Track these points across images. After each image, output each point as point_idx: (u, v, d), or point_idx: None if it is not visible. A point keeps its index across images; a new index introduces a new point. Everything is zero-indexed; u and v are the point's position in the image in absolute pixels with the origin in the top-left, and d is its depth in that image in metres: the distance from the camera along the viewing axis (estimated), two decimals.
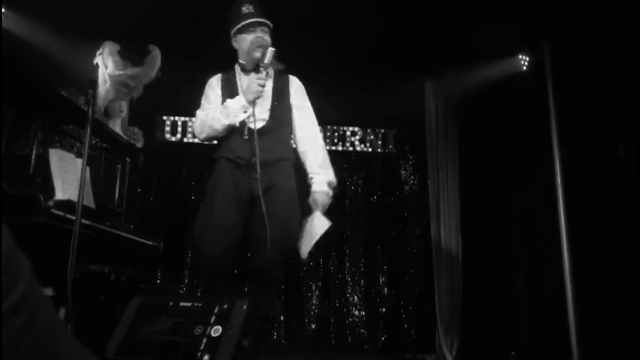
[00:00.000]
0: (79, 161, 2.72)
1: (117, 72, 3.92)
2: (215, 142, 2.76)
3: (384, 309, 5.12)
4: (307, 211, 2.70)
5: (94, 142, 3.09)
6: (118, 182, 3.37)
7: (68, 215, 2.32)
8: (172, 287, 4.79)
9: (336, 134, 5.41)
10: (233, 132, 2.62)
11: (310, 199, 2.66)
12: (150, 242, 3.25)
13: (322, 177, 2.68)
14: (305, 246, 2.56)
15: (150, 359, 1.80)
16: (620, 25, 3.52)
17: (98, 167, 3.15)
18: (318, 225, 2.57)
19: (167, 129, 5.25)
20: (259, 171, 2.47)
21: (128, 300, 2.06)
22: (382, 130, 5.48)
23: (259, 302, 2.45)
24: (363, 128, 5.46)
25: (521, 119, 4.65)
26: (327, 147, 5.27)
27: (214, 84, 2.81)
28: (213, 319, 1.83)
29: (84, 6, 4.04)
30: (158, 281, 4.78)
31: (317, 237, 2.55)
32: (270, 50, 2.55)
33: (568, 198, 3.73)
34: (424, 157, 5.22)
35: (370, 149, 5.45)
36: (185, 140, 5.22)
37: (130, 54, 4.07)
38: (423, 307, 5.04)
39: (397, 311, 5.11)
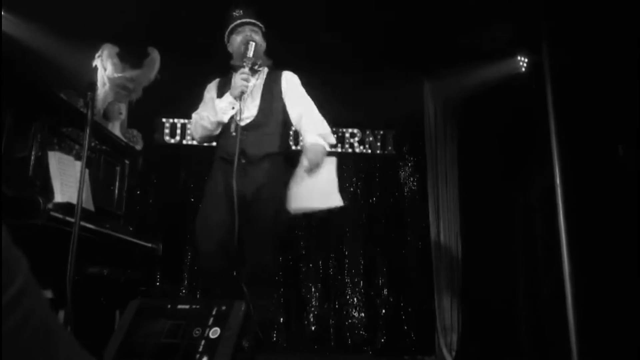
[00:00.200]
0: (78, 163, 2.72)
1: (116, 75, 3.92)
2: (214, 143, 2.79)
3: (383, 311, 5.11)
4: None
5: (93, 144, 3.09)
6: (117, 185, 3.37)
7: (67, 218, 2.32)
8: (171, 290, 4.79)
9: (335, 135, 5.40)
10: (224, 129, 2.67)
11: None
12: (149, 245, 3.25)
13: (312, 133, 2.66)
14: (294, 203, 2.54)
15: None
16: (619, 25, 3.52)
17: (97, 170, 3.15)
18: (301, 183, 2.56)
19: (166, 131, 5.25)
20: (235, 166, 2.45)
21: (127, 302, 2.06)
22: (381, 132, 5.49)
23: (256, 302, 2.45)
24: (362, 129, 5.47)
25: (520, 120, 4.65)
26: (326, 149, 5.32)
27: (211, 87, 2.89)
28: (211, 320, 1.83)
29: (83, 9, 4.04)
30: (157, 283, 4.77)
31: (302, 198, 2.52)
32: (251, 44, 2.62)
33: (567, 198, 3.74)
34: (423, 158, 5.23)
35: (369, 151, 5.46)
36: (184, 142, 5.22)
37: (129, 57, 4.07)
38: (422, 308, 5.04)
39: (397, 313, 5.11)
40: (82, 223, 2.24)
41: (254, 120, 2.65)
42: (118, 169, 3.40)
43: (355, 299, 5.13)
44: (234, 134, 2.54)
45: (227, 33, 2.82)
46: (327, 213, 5.23)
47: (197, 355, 1.74)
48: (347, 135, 5.45)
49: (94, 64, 3.92)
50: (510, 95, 4.68)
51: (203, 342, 1.78)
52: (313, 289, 5.11)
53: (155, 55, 4.10)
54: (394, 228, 5.34)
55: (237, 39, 2.76)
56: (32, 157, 2.60)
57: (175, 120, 5.26)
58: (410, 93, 5.10)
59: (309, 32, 4.32)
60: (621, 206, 3.52)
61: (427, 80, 5.18)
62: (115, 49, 3.95)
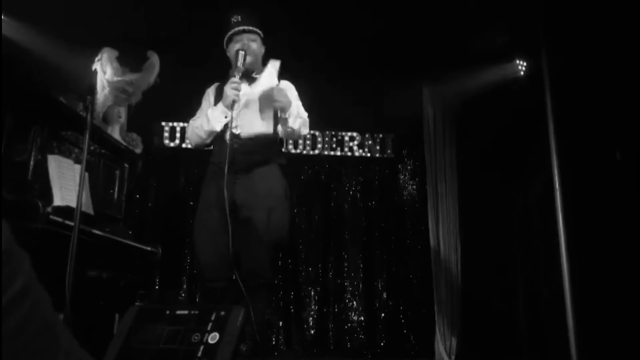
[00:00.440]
0: (78, 167, 2.72)
1: (115, 78, 3.93)
2: (212, 147, 2.81)
3: (383, 314, 5.11)
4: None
5: (92, 148, 3.10)
6: (116, 188, 3.36)
7: (66, 222, 2.32)
8: (170, 296, 4.78)
9: (334, 139, 5.42)
10: (218, 137, 2.69)
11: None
12: (148, 248, 3.24)
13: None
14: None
15: None
16: (618, 30, 3.54)
17: (96, 173, 3.15)
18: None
19: (166, 134, 5.26)
20: (226, 174, 2.48)
21: (127, 306, 2.06)
22: (381, 135, 5.49)
23: (254, 306, 2.48)
24: (361, 133, 5.47)
25: (519, 124, 4.66)
26: (326, 152, 5.34)
27: (210, 93, 2.90)
28: (210, 326, 1.83)
29: (83, 12, 4.05)
30: (157, 287, 4.77)
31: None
32: (241, 53, 2.63)
33: (566, 201, 3.74)
34: (422, 161, 5.23)
35: (368, 154, 5.46)
36: (183, 145, 5.22)
37: (129, 60, 4.08)
38: (422, 312, 5.03)
39: (396, 316, 5.11)
40: (82, 227, 2.24)
41: (248, 128, 2.67)
42: (117, 172, 3.40)
43: (354, 303, 5.12)
44: (228, 142, 2.57)
45: (225, 40, 2.82)
46: (327, 216, 5.27)
47: None
48: (347, 138, 5.45)
49: (93, 68, 3.93)
50: (509, 99, 4.69)
51: (202, 347, 1.78)
52: (312, 293, 5.10)
53: (154, 59, 4.11)
54: (393, 231, 5.34)
55: (234, 47, 2.75)
56: (32, 161, 2.60)
57: (175, 123, 5.26)
58: (409, 97, 5.10)
59: (309, 36, 4.33)
60: (619, 207, 3.53)
61: (426, 84, 5.18)
62: (115, 53, 3.96)
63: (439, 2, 4.03)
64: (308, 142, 5.34)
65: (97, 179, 3.14)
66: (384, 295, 5.17)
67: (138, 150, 4.11)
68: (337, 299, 5.12)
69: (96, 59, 3.94)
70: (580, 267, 3.63)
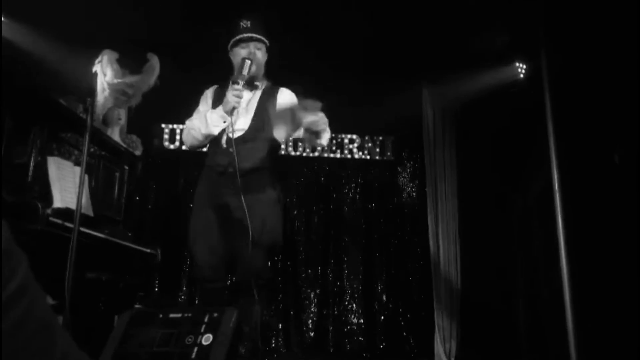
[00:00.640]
0: (78, 169, 2.73)
1: (115, 80, 3.94)
2: (205, 149, 2.83)
3: (382, 316, 5.11)
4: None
5: (92, 150, 3.10)
6: (116, 190, 3.37)
7: (66, 223, 2.32)
8: (168, 301, 4.78)
9: (334, 141, 5.42)
10: (215, 140, 2.71)
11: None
12: (148, 250, 3.25)
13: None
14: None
15: None
16: (617, 31, 3.54)
17: (96, 175, 3.16)
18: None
19: (166, 136, 5.26)
20: (239, 178, 2.52)
21: (126, 307, 2.06)
22: (380, 138, 5.50)
23: (250, 308, 2.52)
24: (361, 135, 5.48)
25: (518, 126, 4.66)
26: (325, 155, 5.34)
27: (208, 94, 2.91)
28: (203, 328, 1.84)
29: (83, 15, 4.05)
30: (156, 289, 4.76)
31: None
32: (247, 62, 2.63)
33: (565, 203, 3.74)
34: (421, 163, 5.23)
35: (368, 156, 5.47)
36: (183, 148, 5.22)
37: (129, 62, 4.08)
38: (421, 314, 5.03)
39: (396, 318, 5.11)
40: (81, 228, 2.25)
41: (245, 134, 2.69)
42: (117, 174, 3.40)
43: (354, 305, 5.12)
44: (224, 146, 2.60)
45: (230, 43, 2.81)
46: (326, 218, 5.28)
47: None
48: (346, 141, 5.46)
49: (93, 70, 3.93)
50: (509, 101, 4.69)
51: (196, 349, 1.79)
52: (312, 295, 5.10)
53: (154, 61, 4.12)
54: (393, 233, 5.34)
55: (240, 53, 2.75)
56: (32, 163, 2.60)
57: (175, 126, 5.27)
58: (408, 99, 5.11)
59: (309, 38, 4.34)
60: (619, 209, 3.53)
61: (425, 86, 5.19)
62: (115, 55, 3.96)
63: (439, 3, 4.04)
64: (307, 144, 5.34)
65: (97, 181, 3.14)
66: (384, 297, 5.17)
67: (138, 152, 4.11)
68: (337, 301, 5.12)
69: (96, 61, 3.95)
70: (580, 268, 3.63)
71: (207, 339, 1.80)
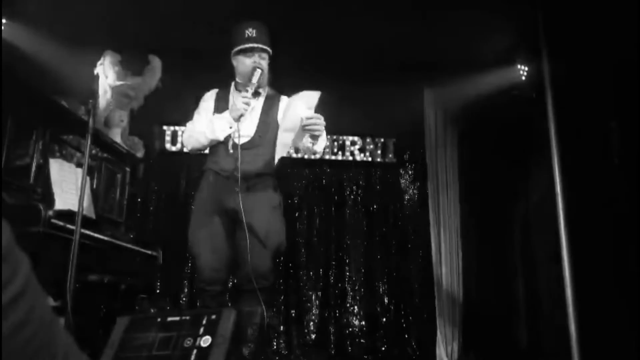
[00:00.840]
0: (79, 171, 2.73)
1: (117, 82, 3.95)
2: (207, 151, 2.84)
3: (384, 319, 5.10)
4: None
5: (94, 152, 3.11)
6: (118, 192, 3.37)
7: (68, 225, 2.32)
8: (167, 304, 4.78)
9: (336, 143, 5.42)
10: (219, 145, 2.74)
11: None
12: (149, 252, 3.25)
13: None
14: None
15: None
16: (619, 32, 3.54)
17: (98, 177, 3.16)
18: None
19: (167, 138, 5.26)
20: (240, 183, 2.56)
21: (128, 309, 2.06)
22: (382, 140, 5.50)
23: (253, 310, 2.56)
24: (362, 137, 5.47)
25: (520, 127, 4.66)
26: (327, 157, 5.34)
27: (208, 97, 2.92)
28: (202, 330, 1.85)
29: (85, 17, 4.06)
30: (158, 291, 4.76)
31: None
32: (258, 71, 2.67)
33: (567, 206, 3.74)
34: (423, 165, 5.23)
35: (369, 158, 5.46)
36: (185, 150, 5.20)
37: (131, 65, 4.09)
38: (423, 316, 5.03)
39: (398, 321, 5.10)
40: (83, 230, 2.25)
41: (249, 140, 2.72)
42: (119, 176, 3.41)
43: (355, 307, 5.12)
44: (231, 151, 2.63)
45: (235, 50, 2.82)
46: (328, 220, 5.28)
47: None
48: (348, 143, 5.46)
49: (95, 72, 3.94)
50: (510, 103, 4.69)
51: (195, 351, 1.79)
52: (313, 297, 5.10)
53: (156, 64, 4.13)
54: (395, 236, 5.34)
55: (245, 61, 2.77)
56: (34, 165, 2.61)
57: (177, 127, 5.27)
58: (410, 101, 5.10)
59: (309, 40, 4.34)
60: (621, 214, 3.52)
61: (427, 88, 5.18)
62: (117, 57, 3.98)
63: (440, 5, 4.04)
64: None
65: (98, 183, 3.15)
66: (385, 299, 5.16)
67: (139, 154, 4.12)
68: (338, 303, 5.11)
69: (98, 63, 3.96)
70: (582, 272, 3.62)
71: (205, 341, 1.81)
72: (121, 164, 3.44)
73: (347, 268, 5.22)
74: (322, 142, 2.71)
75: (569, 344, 3.51)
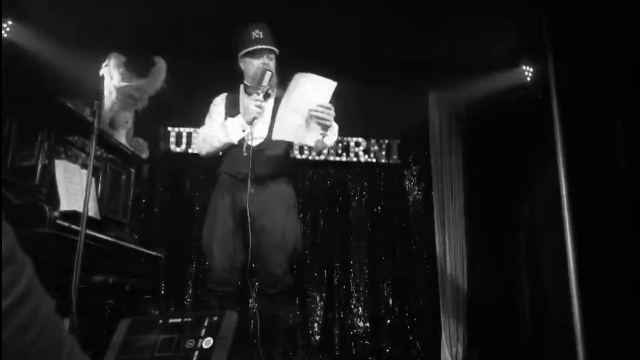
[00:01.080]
0: (84, 172, 2.74)
1: (122, 84, 3.96)
2: (220, 153, 2.84)
3: (388, 320, 5.09)
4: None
5: (99, 153, 3.11)
6: (123, 193, 3.38)
7: (73, 226, 2.33)
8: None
9: (340, 144, 5.41)
10: (233, 148, 2.74)
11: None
12: (154, 253, 3.26)
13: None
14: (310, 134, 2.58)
15: None
16: (624, 33, 3.53)
17: (103, 178, 3.17)
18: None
19: (172, 140, 5.27)
20: (249, 186, 2.57)
21: (132, 310, 2.06)
22: (386, 141, 5.49)
23: (276, 312, 2.59)
24: (367, 138, 5.47)
25: (525, 129, 4.64)
26: (331, 158, 5.34)
27: (218, 102, 2.93)
28: (203, 331, 1.85)
29: (90, 18, 4.08)
30: (162, 292, 4.77)
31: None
32: (268, 73, 2.68)
33: (573, 208, 3.72)
34: (428, 167, 5.22)
35: (374, 160, 5.45)
36: (190, 151, 5.23)
37: (136, 66, 4.10)
38: (428, 318, 5.01)
39: (402, 322, 5.09)
40: (88, 231, 2.25)
41: (263, 142, 2.73)
42: (124, 177, 3.42)
43: (360, 308, 5.11)
44: (245, 154, 2.62)
45: (242, 53, 2.83)
46: (332, 221, 5.28)
47: None
48: (352, 144, 5.45)
49: (100, 73, 3.96)
50: (515, 105, 4.68)
51: (197, 352, 1.79)
52: (318, 298, 5.09)
53: (161, 65, 4.14)
54: (399, 237, 5.33)
55: (253, 63, 2.79)
56: (39, 166, 2.61)
57: (181, 129, 5.28)
58: (415, 102, 5.10)
59: (313, 41, 4.34)
60: (627, 216, 3.51)
61: (432, 89, 5.18)
62: (122, 58, 3.98)
63: (445, 7, 4.03)
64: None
65: (103, 184, 3.16)
66: (390, 301, 5.15)
67: (144, 155, 4.13)
68: (343, 304, 5.11)
69: (103, 64, 3.97)
70: (588, 273, 3.61)
71: (207, 343, 1.81)
72: (126, 165, 3.45)
73: (351, 269, 5.21)
74: (333, 136, 2.71)
75: (575, 346, 3.49)
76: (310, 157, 5.33)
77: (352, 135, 5.45)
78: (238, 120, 2.68)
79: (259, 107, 2.62)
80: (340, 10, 4.11)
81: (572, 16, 3.86)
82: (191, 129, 5.23)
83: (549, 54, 3.99)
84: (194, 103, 4.60)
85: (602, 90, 3.77)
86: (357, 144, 5.46)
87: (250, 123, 2.63)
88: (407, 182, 5.48)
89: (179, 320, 1.95)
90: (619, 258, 3.49)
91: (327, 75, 2.66)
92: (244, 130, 2.67)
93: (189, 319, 1.94)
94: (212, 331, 1.85)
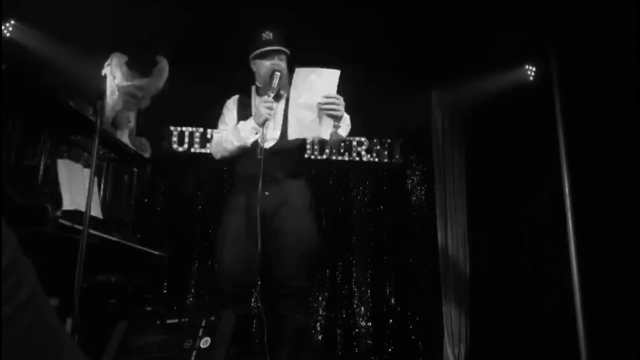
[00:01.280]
0: (87, 171, 2.74)
1: (125, 83, 3.96)
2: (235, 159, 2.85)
3: (391, 320, 5.09)
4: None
5: (101, 152, 3.11)
6: (125, 192, 3.38)
7: (75, 226, 2.33)
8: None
9: (342, 144, 5.40)
10: (248, 151, 2.74)
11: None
12: (156, 252, 3.25)
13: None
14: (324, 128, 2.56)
15: None
16: (628, 33, 3.51)
17: (106, 178, 3.17)
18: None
19: (175, 139, 5.26)
20: (260, 188, 2.56)
21: (135, 310, 2.06)
22: (389, 140, 5.48)
23: (287, 313, 2.60)
24: (369, 138, 5.46)
25: (528, 129, 4.64)
26: (334, 157, 5.33)
27: (230, 105, 2.94)
28: (201, 331, 1.85)
29: (92, 18, 4.08)
30: (165, 291, 4.77)
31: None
32: (277, 74, 2.69)
33: (576, 208, 3.72)
34: (430, 166, 5.21)
35: (376, 159, 5.44)
36: (192, 150, 5.23)
37: (138, 65, 4.10)
38: (430, 318, 5.00)
39: (404, 322, 5.08)
40: (90, 231, 2.25)
41: (276, 144, 2.73)
42: (126, 177, 3.42)
43: (362, 308, 5.10)
44: (259, 156, 2.61)
45: (253, 55, 2.84)
46: (334, 221, 5.27)
47: None
48: (355, 143, 5.44)
49: (103, 73, 3.96)
50: (519, 105, 4.67)
51: (194, 352, 1.80)
52: (320, 298, 5.09)
53: (163, 64, 4.14)
54: (401, 237, 5.32)
55: (264, 65, 2.79)
56: (41, 165, 2.61)
57: (184, 128, 5.27)
58: (418, 102, 5.09)
59: (316, 40, 4.34)
60: (630, 215, 3.50)
61: (434, 89, 5.17)
62: (124, 58, 3.98)
63: (448, 6, 4.03)
64: (316, 146, 5.34)
65: (106, 183, 3.16)
66: (392, 300, 5.14)
67: (147, 155, 4.13)
68: (345, 304, 5.10)
69: (106, 63, 3.97)
70: (591, 272, 3.60)
71: (205, 342, 1.82)
72: (129, 164, 3.45)
73: (353, 269, 5.20)
74: (346, 126, 2.71)
75: (579, 349, 3.49)
76: (312, 157, 5.33)
77: (355, 135, 5.44)
78: (250, 123, 2.69)
79: (270, 108, 2.62)
80: (342, 9, 4.11)
81: (577, 15, 3.85)
82: (193, 129, 5.23)
83: (553, 53, 3.98)
84: (197, 102, 4.61)
85: (605, 89, 3.76)
86: (360, 144, 5.45)
87: (262, 125, 2.62)
88: (410, 182, 5.47)
89: (176, 320, 1.95)
90: (623, 256, 3.48)
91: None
92: (256, 133, 2.68)
93: (186, 320, 1.95)
94: (209, 331, 1.86)
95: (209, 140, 5.09)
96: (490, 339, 4.63)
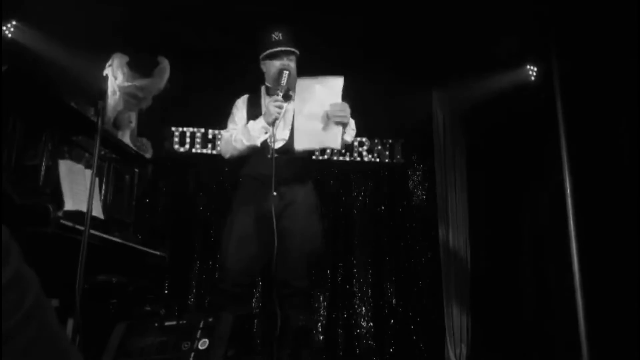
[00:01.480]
0: (88, 172, 2.74)
1: (126, 84, 3.96)
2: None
3: (392, 320, 5.08)
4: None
5: (103, 153, 3.11)
6: (126, 193, 3.38)
7: (77, 226, 2.33)
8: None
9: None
10: (257, 151, 2.75)
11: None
12: (157, 253, 3.25)
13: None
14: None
15: None
16: (628, 33, 3.51)
17: (107, 178, 3.17)
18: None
19: (176, 139, 5.27)
20: (273, 188, 2.57)
21: (136, 310, 2.07)
22: (390, 140, 5.48)
23: (289, 312, 2.60)
24: (370, 138, 5.46)
25: (530, 129, 4.63)
26: (335, 157, 5.33)
27: (240, 105, 2.95)
28: (199, 333, 1.86)
29: (94, 18, 4.08)
30: (166, 292, 4.77)
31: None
32: (285, 73, 2.71)
33: (577, 208, 3.71)
34: (431, 166, 5.21)
35: (377, 159, 5.44)
36: (193, 150, 5.24)
37: (140, 66, 4.11)
38: (432, 318, 5.00)
39: (406, 322, 5.08)
40: (92, 231, 2.25)
41: (285, 144, 2.74)
42: (127, 177, 3.42)
43: (363, 308, 5.10)
44: (269, 156, 2.62)
45: (263, 55, 2.86)
46: (335, 221, 5.27)
47: None
48: (356, 144, 5.44)
49: (104, 73, 3.97)
50: (520, 105, 4.66)
51: (193, 354, 1.80)
52: (321, 298, 5.09)
53: (165, 64, 4.15)
54: (403, 237, 5.32)
55: (274, 64, 2.81)
56: (43, 166, 2.61)
57: (185, 128, 5.27)
58: (418, 102, 5.09)
59: (317, 40, 4.34)
60: (632, 217, 3.49)
61: (435, 89, 5.17)
62: (126, 58, 3.99)
63: (450, 6, 4.03)
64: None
65: (107, 184, 3.16)
66: (393, 301, 5.14)
67: (148, 155, 4.13)
68: (346, 304, 5.10)
69: (107, 64, 3.98)
70: (592, 272, 3.60)
71: (203, 344, 1.82)
72: (130, 165, 3.45)
73: (354, 269, 5.20)
74: (352, 131, 2.76)
75: (580, 348, 3.48)
76: (313, 157, 5.32)
77: (356, 135, 5.41)
78: (260, 123, 2.70)
79: (279, 107, 2.63)
80: (343, 9, 4.11)
81: (577, 15, 3.85)
82: (195, 129, 5.23)
83: (554, 53, 3.98)
84: (198, 102, 4.61)
85: (606, 89, 3.75)
86: (361, 144, 5.45)
87: (272, 124, 2.63)
88: (411, 182, 5.47)
89: (174, 322, 1.96)
90: (624, 255, 3.47)
91: (333, 74, 2.66)
92: (266, 133, 2.68)
93: (184, 321, 1.95)
94: (207, 332, 1.86)
95: (210, 141, 5.10)
96: (491, 339, 4.63)
